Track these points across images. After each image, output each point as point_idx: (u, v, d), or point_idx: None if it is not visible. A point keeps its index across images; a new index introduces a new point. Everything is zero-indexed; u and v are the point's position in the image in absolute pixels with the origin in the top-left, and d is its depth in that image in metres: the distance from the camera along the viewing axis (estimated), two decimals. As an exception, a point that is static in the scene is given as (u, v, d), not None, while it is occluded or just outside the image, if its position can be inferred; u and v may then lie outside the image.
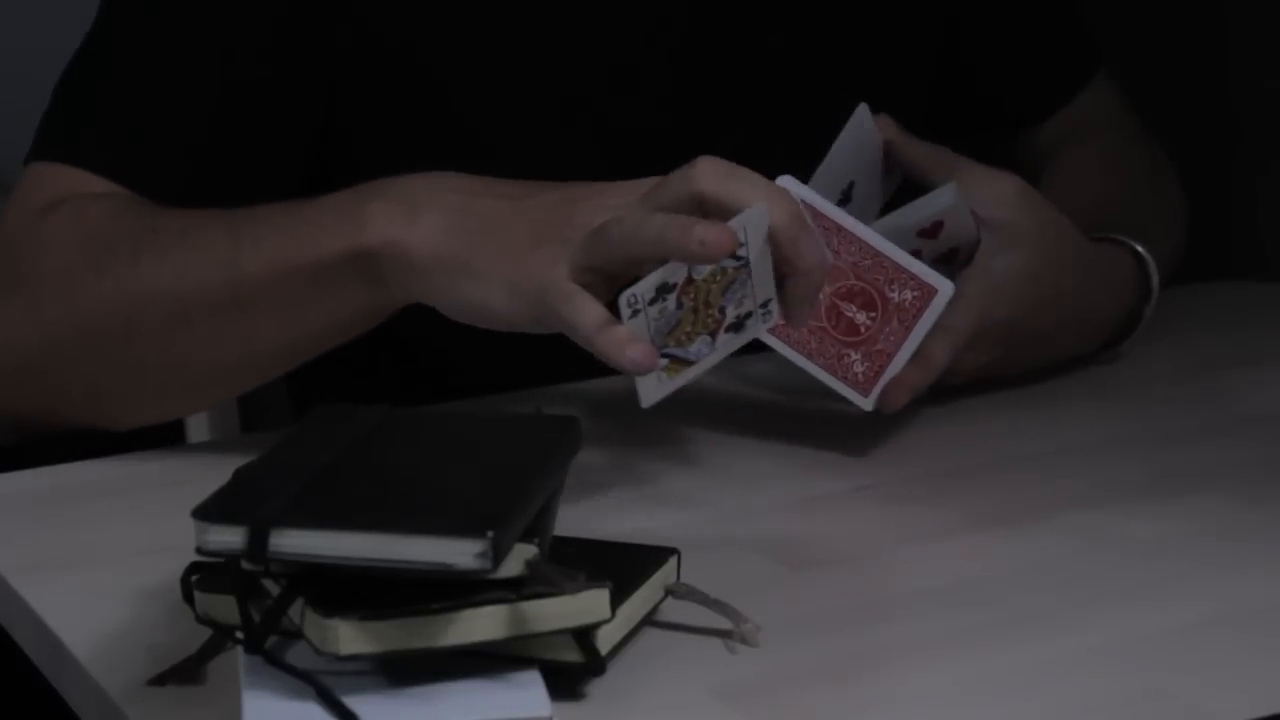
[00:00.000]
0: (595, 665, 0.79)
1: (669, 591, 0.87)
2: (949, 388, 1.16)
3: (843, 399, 1.08)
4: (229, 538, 0.76)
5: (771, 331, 1.05)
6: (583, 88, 1.22)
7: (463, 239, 0.99)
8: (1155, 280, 1.25)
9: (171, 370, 1.08)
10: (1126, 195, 1.35)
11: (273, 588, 0.78)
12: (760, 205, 0.92)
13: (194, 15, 1.16)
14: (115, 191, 1.14)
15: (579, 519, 0.86)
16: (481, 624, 0.76)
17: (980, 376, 1.17)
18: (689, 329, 0.94)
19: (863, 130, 1.12)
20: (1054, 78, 1.42)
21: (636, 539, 0.88)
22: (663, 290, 0.92)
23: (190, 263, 1.06)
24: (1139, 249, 1.25)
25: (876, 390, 1.06)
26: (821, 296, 1.04)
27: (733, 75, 1.26)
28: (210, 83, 1.16)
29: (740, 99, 1.27)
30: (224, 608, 0.80)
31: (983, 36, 1.37)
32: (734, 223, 0.91)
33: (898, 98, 1.23)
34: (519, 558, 0.77)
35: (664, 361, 0.95)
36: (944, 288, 1.06)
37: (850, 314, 1.05)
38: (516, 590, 0.76)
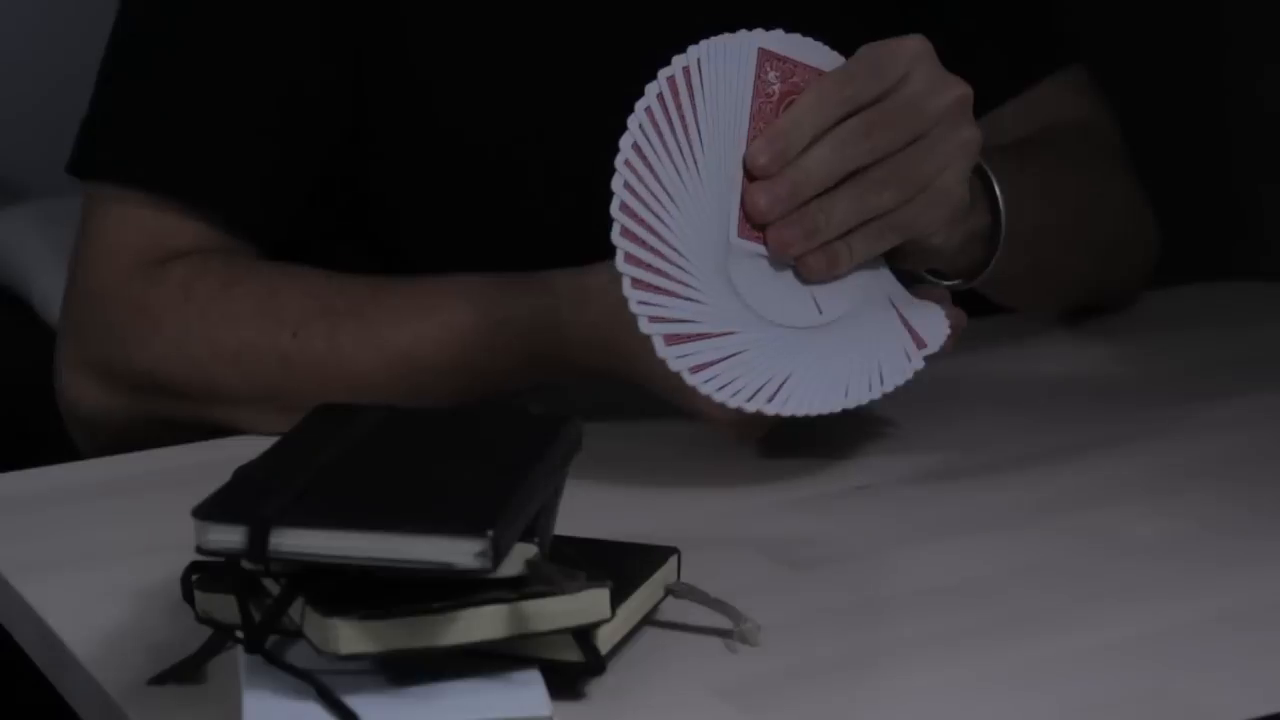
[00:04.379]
0: (595, 665, 0.79)
1: (669, 591, 0.87)
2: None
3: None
4: (229, 537, 0.76)
5: None
6: (570, 85, 1.21)
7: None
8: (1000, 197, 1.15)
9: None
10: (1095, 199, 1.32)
11: (273, 587, 0.78)
12: None
13: (235, 17, 1.15)
14: (212, 245, 1.14)
15: (579, 519, 0.86)
16: (481, 624, 0.76)
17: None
18: None
19: None
20: (1002, 64, 1.37)
21: (636, 539, 0.88)
22: None
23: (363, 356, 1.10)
24: (985, 169, 1.15)
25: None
26: None
27: None
28: (263, 87, 1.15)
29: None
30: (224, 607, 0.80)
31: (936, 17, 1.33)
32: None
33: None
34: (519, 557, 0.77)
35: None
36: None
37: None
38: (516, 590, 0.76)
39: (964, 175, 1.07)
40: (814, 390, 1.02)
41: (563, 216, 1.18)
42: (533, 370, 1.11)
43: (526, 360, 1.10)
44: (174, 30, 1.16)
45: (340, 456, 0.82)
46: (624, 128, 1.01)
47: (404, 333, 1.10)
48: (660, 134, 1.02)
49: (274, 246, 1.18)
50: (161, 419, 1.12)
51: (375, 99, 1.18)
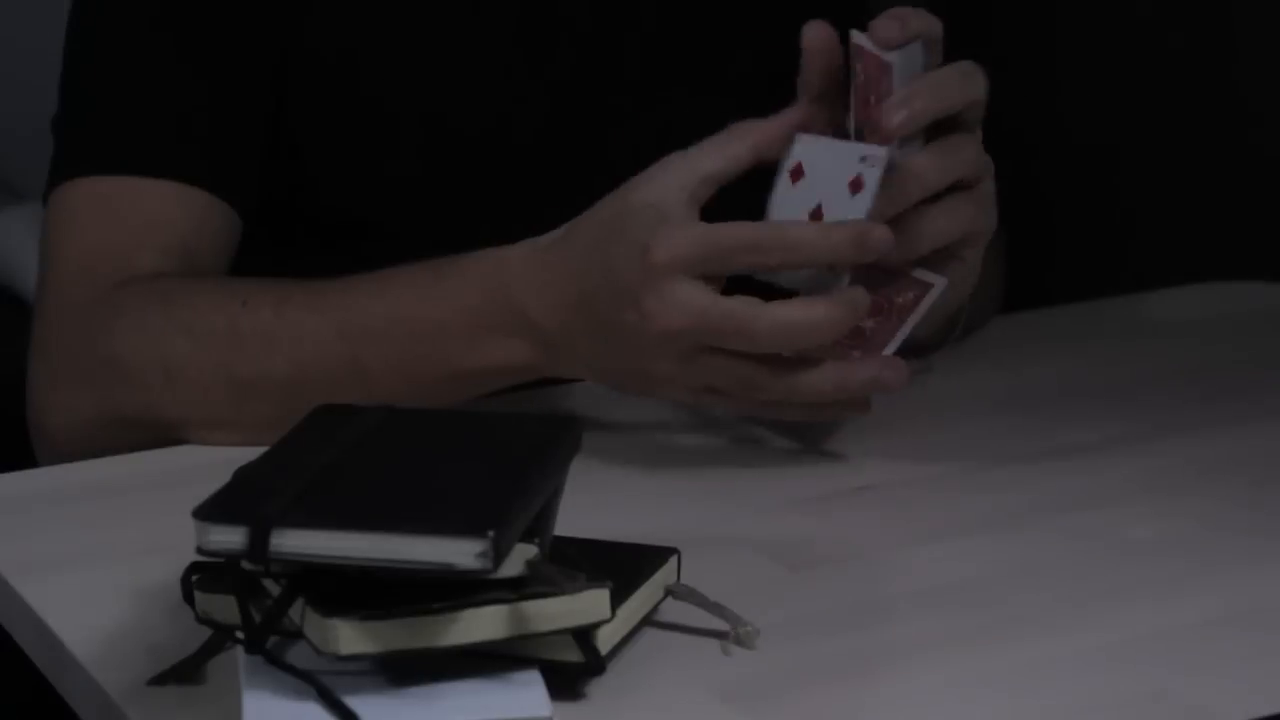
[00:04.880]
0: (595, 665, 0.79)
1: (669, 592, 0.87)
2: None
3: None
4: (230, 538, 0.76)
5: None
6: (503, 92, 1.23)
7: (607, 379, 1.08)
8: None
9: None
10: None
11: (273, 588, 0.78)
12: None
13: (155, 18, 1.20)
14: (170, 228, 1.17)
15: (579, 519, 0.86)
16: (481, 624, 0.76)
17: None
18: None
19: None
20: None
21: (636, 539, 0.89)
22: None
23: (307, 376, 1.09)
24: None
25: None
26: None
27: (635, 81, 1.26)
28: (188, 69, 1.19)
29: (641, 98, 1.26)
30: (224, 608, 0.80)
31: None
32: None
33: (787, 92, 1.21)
34: (519, 558, 0.77)
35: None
36: (938, 283, 1.06)
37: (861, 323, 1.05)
38: (516, 590, 0.76)
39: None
40: None
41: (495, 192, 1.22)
42: (486, 326, 1.08)
43: (473, 314, 1.08)
44: (98, 42, 1.22)
45: (340, 457, 0.83)
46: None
47: (353, 305, 1.09)
48: None
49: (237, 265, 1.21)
50: (122, 418, 1.12)
51: (298, 78, 1.21)
